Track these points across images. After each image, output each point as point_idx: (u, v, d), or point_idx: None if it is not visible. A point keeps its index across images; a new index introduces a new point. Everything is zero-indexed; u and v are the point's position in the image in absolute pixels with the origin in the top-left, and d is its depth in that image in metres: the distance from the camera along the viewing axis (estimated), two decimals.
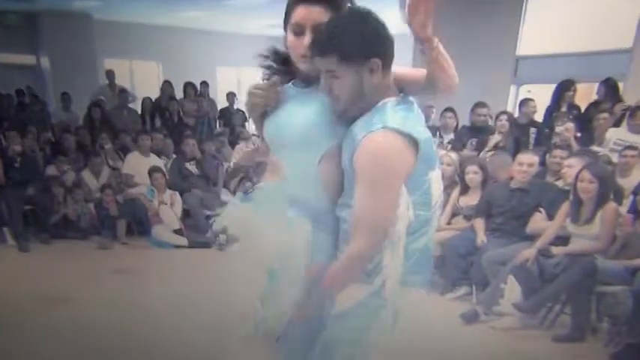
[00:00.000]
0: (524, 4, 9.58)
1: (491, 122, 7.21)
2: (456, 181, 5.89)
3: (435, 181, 2.02)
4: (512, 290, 4.86)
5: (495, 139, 6.69)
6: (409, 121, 1.91)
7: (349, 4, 2.01)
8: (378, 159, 1.86)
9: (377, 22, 1.90)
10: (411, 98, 2.04)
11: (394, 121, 1.87)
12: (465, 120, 7.81)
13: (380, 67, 1.90)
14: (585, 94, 8.10)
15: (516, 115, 7.40)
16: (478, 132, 7.08)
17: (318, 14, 1.95)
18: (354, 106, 1.96)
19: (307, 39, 1.96)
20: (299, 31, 1.98)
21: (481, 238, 5.22)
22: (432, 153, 2.02)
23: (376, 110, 1.93)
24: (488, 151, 6.57)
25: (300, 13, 1.97)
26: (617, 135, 6.29)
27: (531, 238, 4.98)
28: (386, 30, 1.91)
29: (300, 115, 2.06)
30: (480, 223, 5.37)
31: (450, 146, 6.98)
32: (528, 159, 5.27)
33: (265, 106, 2.19)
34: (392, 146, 1.86)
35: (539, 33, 9.59)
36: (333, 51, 1.87)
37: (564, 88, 7.27)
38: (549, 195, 5.19)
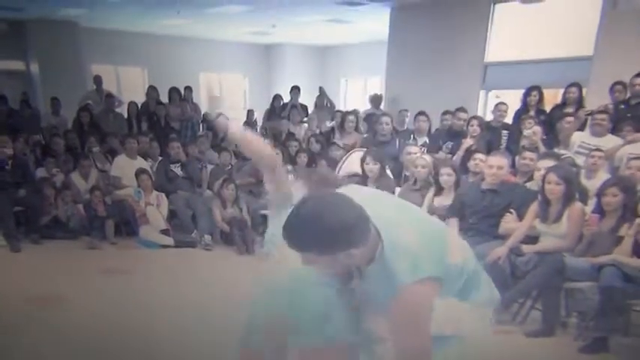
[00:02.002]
0: (490, 15, 9.63)
1: (464, 127, 7.19)
2: (431, 182, 5.84)
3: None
4: None
5: (468, 142, 6.66)
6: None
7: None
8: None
9: (339, 218, 1.75)
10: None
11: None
12: (436, 124, 7.81)
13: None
14: (551, 99, 8.13)
15: (489, 118, 7.40)
16: (453, 136, 7.05)
17: None
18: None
19: None
20: None
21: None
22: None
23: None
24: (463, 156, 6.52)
25: None
26: (581, 138, 6.32)
27: (503, 237, 4.93)
28: (351, 221, 1.77)
29: None
30: (453, 223, 5.31)
31: (424, 149, 6.93)
32: (497, 161, 5.19)
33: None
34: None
35: (506, 41, 9.66)
36: (308, 249, 1.80)
37: (530, 93, 7.31)
38: (519, 196, 5.14)
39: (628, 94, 6.87)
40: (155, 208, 7.29)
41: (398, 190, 6.08)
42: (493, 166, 5.16)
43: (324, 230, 1.73)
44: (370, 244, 1.83)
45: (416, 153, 6.40)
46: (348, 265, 1.88)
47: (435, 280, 1.87)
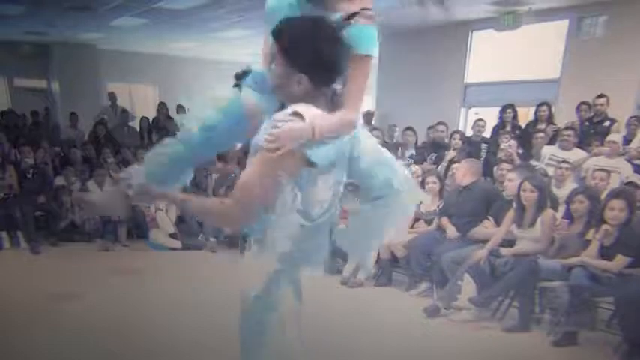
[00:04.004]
0: (469, 41, 9.69)
1: (446, 140, 7.19)
2: None
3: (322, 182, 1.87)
4: (467, 287, 4.79)
5: (451, 154, 6.67)
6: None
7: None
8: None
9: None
10: None
11: None
12: (422, 138, 7.81)
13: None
14: (524, 117, 8.17)
15: (469, 133, 7.41)
16: (437, 148, 7.06)
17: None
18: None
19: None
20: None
21: (450, 230, 5.25)
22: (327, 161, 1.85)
23: None
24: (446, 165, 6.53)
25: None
26: (550, 152, 6.34)
27: (483, 241, 4.93)
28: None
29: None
30: (445, 220, 5.38)
31: (412, 161, 6.93)
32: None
33: None
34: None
35: (483, 64, 9.70)
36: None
37: (506, 110, 7.34)
38: (490, 195, 5.28)
39: (592, 113, 6.91)
40: (164, 213, 7.22)
41: None
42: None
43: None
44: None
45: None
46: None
47: None
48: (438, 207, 5.51)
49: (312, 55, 1.74)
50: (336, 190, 1.96)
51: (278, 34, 1.79)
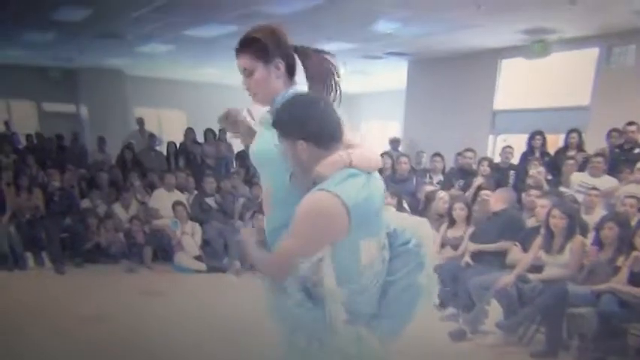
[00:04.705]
0: (498, 68, 9.84)
1: (474, 166, 7.28)
2: (443, 215, 5.94)
3: (365, 250, 1.95)
4: (494, 312, 4.85)
5: (479, 180, 6.75)
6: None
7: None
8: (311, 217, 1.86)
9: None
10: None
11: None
12: (450, 164, 7.92)
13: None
14: (553, 143, 8.23)
15: (497, 160, 7.50)
16: (465, 174, 7.15)
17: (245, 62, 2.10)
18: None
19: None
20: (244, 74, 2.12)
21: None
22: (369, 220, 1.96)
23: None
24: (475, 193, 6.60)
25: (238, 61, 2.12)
26: (580, 178, 6.41)
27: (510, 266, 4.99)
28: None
29: (265, 137, 2.09)
30: (471, 246, 5.44)
31: (439, 186, 7.03)
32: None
33: (235, 133, 2.34)
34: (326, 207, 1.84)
35: (512, 91, 9.83)
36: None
37: (535, 137, 7.42)
38: (515, 223, 5.35)
39: (622, 140, 6.97)
40: (190, 237, 7.38)
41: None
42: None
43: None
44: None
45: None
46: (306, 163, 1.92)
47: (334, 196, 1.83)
48: (464, 232, 5.59)
49: (300, 124, 1.92)
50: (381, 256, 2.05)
51: (274, 124, 1.97)
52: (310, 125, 1.91)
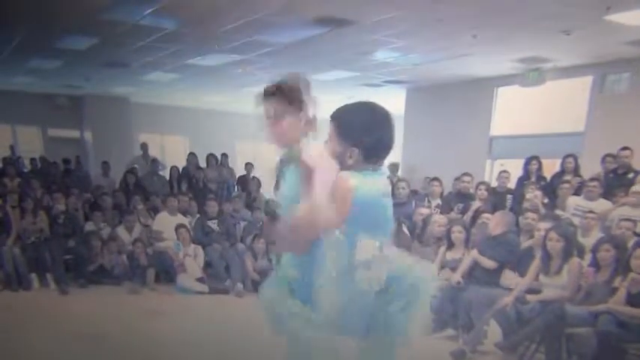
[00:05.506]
0: (494, 96, 9.98)
1: (472, 190, 7.33)
2: (441, 238, 5.98)
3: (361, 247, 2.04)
4: (493, 332, 4.86)
5: (476, 204, 6.80)
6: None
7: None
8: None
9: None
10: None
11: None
12: (448, 188, 7.98)
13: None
14: (549, 168, 8.31)
15: (494, 184, 7.57)
16: (463, 198, 7.20)
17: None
18: None
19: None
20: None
21: (487, 262, 5.35)
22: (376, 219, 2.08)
23: None
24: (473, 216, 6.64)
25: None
26: (576, 202, 6.50)
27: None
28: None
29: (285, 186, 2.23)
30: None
31: (438, 210, 7.07)
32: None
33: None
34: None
35: (508, 118, 9.95)
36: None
37: (531, 162, 7.50)
38: (511, 246, 5.40)
39: (616, 165, 7.06)
40: (192, 259, 7.40)
41: None
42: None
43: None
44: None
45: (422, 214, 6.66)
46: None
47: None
48: (463, 255, 5.63)
49: (362, 131, 2.05)
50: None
51: (334, 116, 2.13)
52: (370, 136, 2.04)
